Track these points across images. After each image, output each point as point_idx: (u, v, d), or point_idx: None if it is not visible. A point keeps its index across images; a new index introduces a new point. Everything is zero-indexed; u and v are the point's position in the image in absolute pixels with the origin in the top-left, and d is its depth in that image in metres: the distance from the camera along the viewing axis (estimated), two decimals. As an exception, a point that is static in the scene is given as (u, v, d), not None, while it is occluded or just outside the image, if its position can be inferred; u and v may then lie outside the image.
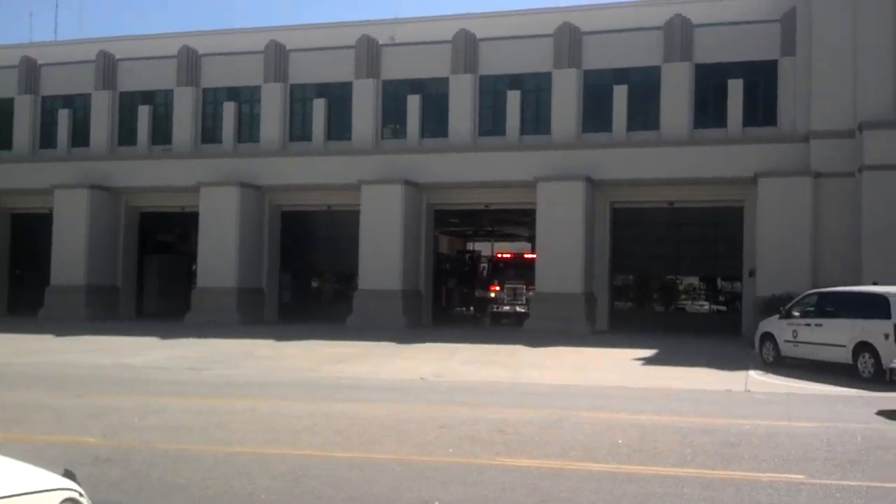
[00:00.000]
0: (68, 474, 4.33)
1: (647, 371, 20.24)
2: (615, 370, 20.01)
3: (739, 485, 8.86)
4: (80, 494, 4.14)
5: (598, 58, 32.37)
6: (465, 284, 42.36)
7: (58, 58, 38.64)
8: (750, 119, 30.78)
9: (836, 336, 18.76)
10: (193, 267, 36.21)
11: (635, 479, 9.11)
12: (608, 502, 8.20)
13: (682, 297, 34.37)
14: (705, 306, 33.78)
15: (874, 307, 18.08)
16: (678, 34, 31.32)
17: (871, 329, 17.83)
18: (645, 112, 31.96)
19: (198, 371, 19.34)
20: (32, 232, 38.12)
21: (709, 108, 31.49)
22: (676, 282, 34.39)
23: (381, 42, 34.97)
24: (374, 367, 20.18)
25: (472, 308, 41.22)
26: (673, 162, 30.20)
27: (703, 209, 31.62)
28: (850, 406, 14.89)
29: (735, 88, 30.78)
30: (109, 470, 9.53)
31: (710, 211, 31.59)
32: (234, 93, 36.46)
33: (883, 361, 17.34)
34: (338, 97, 35.28)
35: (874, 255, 25.87)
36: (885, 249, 25.90)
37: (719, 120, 31.07)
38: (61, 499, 4.04)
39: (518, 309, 34.84)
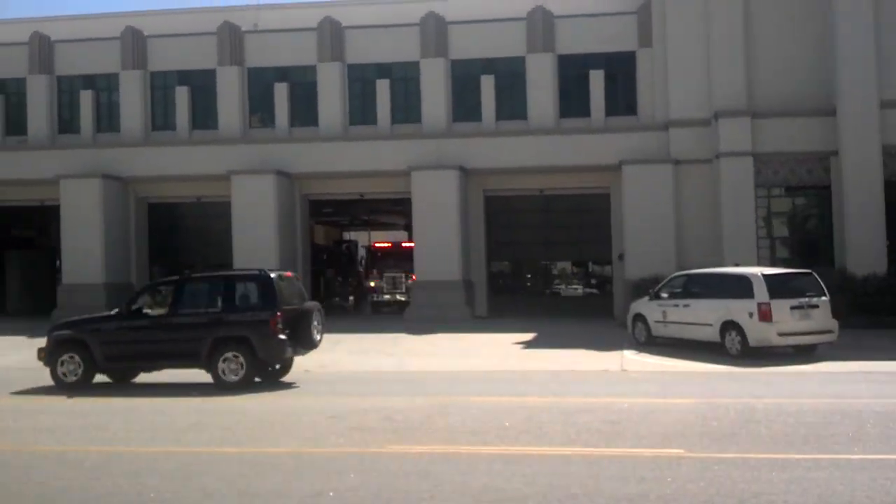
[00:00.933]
0: None
1: (528, 354, 20.77)
2: (497, 355, 20.43)
3: (623, 461, 9.22)
4: None
5: (465, 48, 32.67)
6: (343, 274, 42.12)
7: None
8: (612, 109, 31.80)
9: (704, 316, 19.57)
10: (58, 262, 34.58)
11: (524, 460, 9.38)
12: (500, 483, 8.40)
13: (557, 281, 35.28)
14: (579, 290, 34.78)
15: (738, 287, 18.95)
16: (540, 25, 32.00)
17: (736, 308, 18.66)
18: (512, 101, 32.49)
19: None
20: None
21: (572, 98, 32.29)
22: (550, 267, 35.26)
23: (244, 28, 34.20)
24: (255, 361, 19.85)
25: (351, 298, 41.06)
26: (540, 150, 30.88)
27: (572, 196, 32.45)
28: (721, 382, 15.69)
29: (596, 79, 31.72)
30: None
31: (578, 197, 32.47)
32: (90, 81, 34.86)
33: (749, 339, 18.34)
34: (201, 85, 34.25)
35: (733, 238, 27.32)
36: (742, 232, 27.44)
37: (583, 109, 31.93)
38: None
39: (398, 297, 34.92)
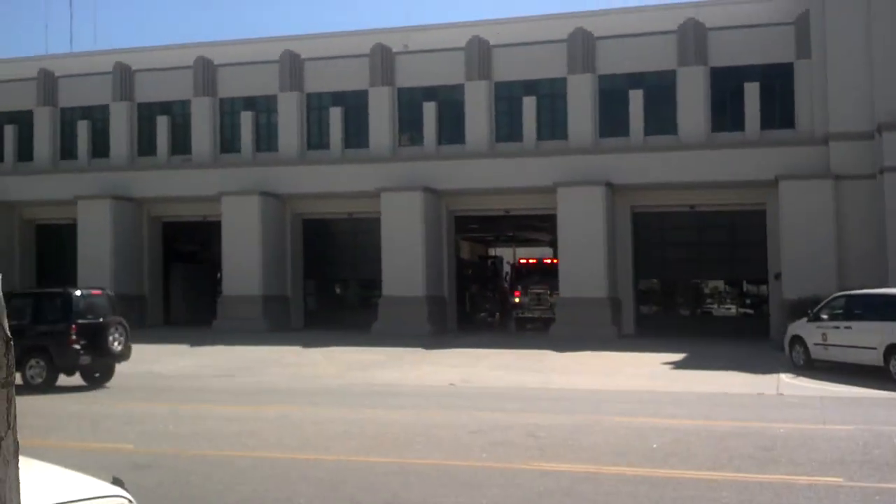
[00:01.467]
0: (117, 481, 4.33)
1: (677, 375, 20.22)
2: (645, 374, 20.00)
3: (777, 488, 8.83)
4: (130, 501, 4.13)
5: (612, 62, 32.34)
6: (488, 290, 42.34)
7: (75, 70, 38.93)
8: (768, 122, 30.67)
9: (866, 339, 18.65)
10: (218, 275, 36.40)
11: (671, 483, 9.11)
12: (648, 506, 8.23)
13: (708, 300, 34.24)
14: (732, 309, 33.63)
15: (904, 309, 17.96)
16: (692, 38, 31.28)
17: (902, 331, 17.68)
18: (661, 116, 31.84)
19: (228, 378, 19.48)
20: (57, 242, 38.41)
21: (726, 112, 31.38)
22: (701, 285, 34.26)
23: (394, 50, 35.09)
24: (402, 374, 20.24)
25: (496, 314, 41.19)
26: (691, 166, 30.11)
27: (725, 212, 31.48)
28: (884, 409, 14.83)
29: (752, 91, 30.70)
30: (148, 476, 9.62)
31: (732, 214, 31.46)
32: (250, 102, 36.64)
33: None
34: (354, 105, 35.40)
35: (899, 257, 25.72)
36: (909, 250, 25.77)
37: (737, 123, 30.98)
38: None
39: (543, 314, 34.76)
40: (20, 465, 4.16)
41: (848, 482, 9.02)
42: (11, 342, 1.61)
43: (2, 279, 1.61)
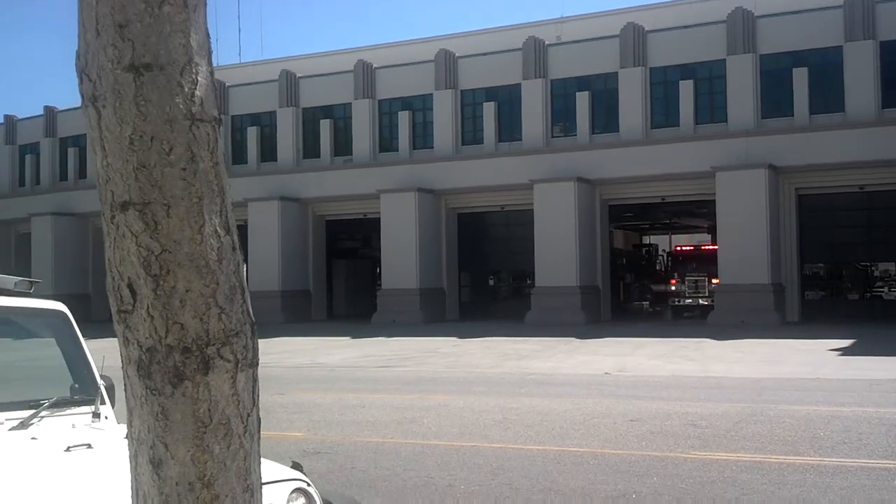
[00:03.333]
0: (296, 466, 4.53)
1: (845, 362, 19.34)
2: (810, 362, 19.22)
3: (958, 477, 8.43)
4: (308, 484, 4.34)
5: (774, 41, 31.17)
6: (643, 279, 41.74)
7: (243, 79, 41.11)
8: (944, 97, 28.76)
9: None
10: (377, 269, 37.60)
11: (841, 472, 8.80)
12: (814, 496, 7.97)
13: (878, 283, 32.47)
14: (904, 292, 31.77)
15: None
16: (860, 12, 29.71)
17: None
18: (827, 95, 30.48)
19: (388, 368, 20.13)
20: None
21: (895, 87, 29.66)
22: (871, 268, 32.51)
23: (547, 42, 35.08)
24: (557, 363, 20.30)
25: (651, 302, 40.55)
26: (860, 144, 28.64)
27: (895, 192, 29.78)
28: None
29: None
30: (317, 462, 10.10)
31: (903, 193, 29.74)
32: (407, 102, 37.60)
33: None
34: (506, 99, 35.70)
35: None
36: None
37: (909, 99, 29.23)
38: (292, 489, 4.24)
39: (701, 301, 34.00)
40: None
41: None
42: (255, 326, 1.91)
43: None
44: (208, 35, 1.82)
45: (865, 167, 29.06)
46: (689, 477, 8.82)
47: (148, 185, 1.74)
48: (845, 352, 20.93)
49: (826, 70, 30.53)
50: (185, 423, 1.76)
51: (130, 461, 1.84)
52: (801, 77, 30.63)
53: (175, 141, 1.75)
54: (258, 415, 1.90)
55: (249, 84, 40.48)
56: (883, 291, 32.48)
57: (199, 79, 1.78)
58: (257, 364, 1.89)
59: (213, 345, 1.76)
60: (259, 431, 1.90)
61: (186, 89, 1.76)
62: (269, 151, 39.98)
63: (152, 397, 1.76)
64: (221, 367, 1.77)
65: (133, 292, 1.76)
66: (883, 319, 28.14)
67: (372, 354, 23.16)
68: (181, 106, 1.75)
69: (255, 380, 1.88)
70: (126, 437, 1.88)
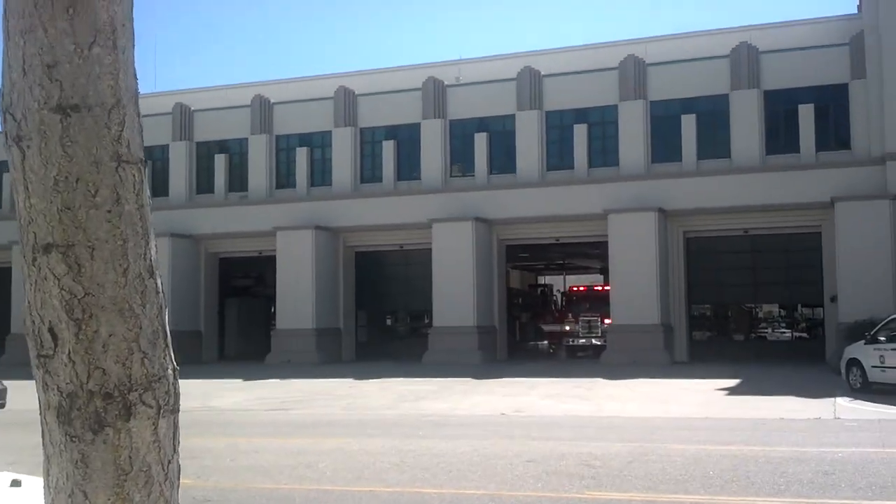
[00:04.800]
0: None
1: (732, 401, 19.96)
2: (699, 401, 19.77)
3: (837, 514, 8.72)
4: None
5: (664, 88, 32.34)
6: (538, 318, 42.28)
7: (136, 112, 40.08)
8: (823, 143, 30.37)
9: (926, 361, 18.27)
10: (272, 309, 36.94)
11: (729, 511, 9.02)
12: (704, 534, 8.16)
13: (762, 325, 33.76)
14: (787, 333, 33.12)
15: (964, 330, 17.60)
16: (745, 61, 31.17)
17: (961, 353, 17.34)
18: (714, 140, 31.74)
19: (282, 411, 19.70)
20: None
21: (780, 134, 31.17)
22: (755, 310, 33.79)
23: (446, 83, 35.50)
24: (453, 404, 20.27)
25: (546, 342, 41.08)
26: (746, 189, 29.89)
27: (780, 235, 31.16)
28: (947, 432, 14.46)
29: (806, 113, 30.44)
30: (208, 509, 9.77)
31: (786, 237, 31.12)
32: (305, 138, 37.35)
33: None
34: (406, 138, 35.87)
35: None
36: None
37: (791, 145, 30.73)
38: None
39: (594, 341, 34.64)
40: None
41: (910, 508, 8.86)
42: (177, 371, 1.83)
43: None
44: (136, 76, 1.82)
45: (750, 211, 30.29)
46: (585, 518, 8.89)
47: (72, 227, 1.69)
48: (732, 391, 21.61)
49: (713, 117, 31.82)
50: (106, 471, 1.70)
51: None
52: (689, 123, 31.84)
53: (101, 183, 1.72)
54: (178, 462, 1.82)
55: (142, 117, 39.36)
56: (767, 332, 33.77)
57: (126, 120, 1.78)
58: (178, 410, 1.82)
59: (136, 390, 1.72)
60: (179, 479, 1.81)
61: (114, 131, 1.74)
62: (160, 186, 38.97)
63: (72, 444, 1.70)
64: (144, 414, 1.73)
65: (54, 336, 1.71)
66: (766, 359, 29.23)
67: (265, 397, 22.66)
68: (108, 148, 1.73)
69: (176, 426, 1.82)
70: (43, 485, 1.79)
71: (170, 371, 1.77)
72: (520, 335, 40.57)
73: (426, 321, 34.33)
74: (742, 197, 29.84)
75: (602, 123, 33.38)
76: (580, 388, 22.84)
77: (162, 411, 1.76)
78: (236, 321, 40.32)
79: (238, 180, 38.22)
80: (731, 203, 30.04)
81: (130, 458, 1.71)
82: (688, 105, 32.11)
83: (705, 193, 30.43)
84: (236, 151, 38.52)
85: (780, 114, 31.15)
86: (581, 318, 35.64)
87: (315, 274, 34.35)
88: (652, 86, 32.51)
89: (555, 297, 45.49)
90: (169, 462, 1.75)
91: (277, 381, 26.90)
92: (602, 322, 33.72)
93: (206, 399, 22.01)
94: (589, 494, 9.94)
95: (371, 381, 26.23)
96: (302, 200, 36.32)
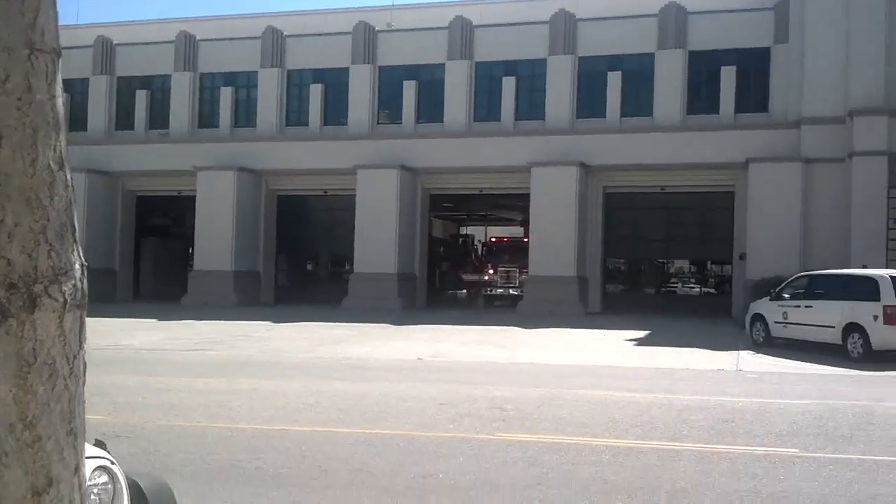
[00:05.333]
0: (99, 444, 4.35)
1: (641, 351, 20.58)
2: (609, 350, 20.34)
3: (735, 458, 9.08)
4: (112, 462, 4.19)
5: (593, 44, 32.58)
6: (458, 268, 42.66)
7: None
8: (742, 105, 31.09)
9: (826, 317, 19.08)
10: (190, 250, 36.39)
11: (633, 453, 9.35)
12: (608, 474, 8.42)
13: (673, 280, 34.74)
14: (696, 289, 34.15)
15: (863, 289, 18.42)
16: (672, 21, 31.58)
17: (860, 310, 18.17)
18: (638, 98, 32.20)
19: (197, 352, 19.57)
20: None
21: (702, 95, 31.80)
22: (667, 265, 34.71)
23: (377, 28, 35.08)
24: (372, 348, 20.42)
25: (465, 291, 41.53)
26: (665, 148, 30.48)
27: (695, 194, 31.96)
28: (840, 384, 15.23)
29: (728, 75, 31.08)
30: (118, 446, 9.59)
31: (701, 196, 31.95)
32: (231, 78, 36.55)
33: (872, 342, 17.72)
34: (334, 83, 35.41)
35: (862, 239, 26.32)
36: (872, 233, 26.35)
37: (712, 106, 31.39)
38: (94, 466, 4.07)
39: (512, 291, 35.19)
40: None
41: (803, 452, 9.32)
42: (85, 267, 1.83)
43: None
44: None
45: (668, 169, 30.94)
46: (493, 457, 9.12)
47: None
48: (641, 342, 22.25)
49: (639, 75, 32.22)
50: (8, 362, 1.69)
51: None
52: (615, 80, 32.20)
53: (12, 69, 1.69)
54: (84, 358, 1.85)
55: (63, 49, 37.91)
56: (676, 287, 34.80)
57: (41, 6, 1.74)
58: (86, 306, 1.84)
59: (41, 282, 1.70)
60: (84, 375, 1.85)
61: (27, 17, 1.71)
62: (79, 120, 37.75)
63: None
64: (49, 306, 1.71)
65: None
66: (676, 313, 30.13)
67: (180, 337, 22.43)
68: (20, 34, 1.70)
69: (82, 322, 1.83)
70: None
71: (77, 266, 1.78)
72: (440, 284, 40.91)
73: (347, 267, 34.33)
74: (661, 155, 30.43)
75: (531, 77, 33.51)
76: (496, 335, 23.23)
77: (68, 305, 1.75)
78: (152, 261, 39.62)
79: (160, 118, 37.27)
80: (651, 161, 30.61)
81: (34, 350, 1.70)
82: (615, 62, 32.45)
83: (626, 150, 30.93)
84: (158, 88, 37.49)
85: (703, 74, 31.74)
86: (500, 269, 36.09)
87: (235, 216, 33.90)
88: (581, 41, 32.71)
89: (475, 248, 45.90)
90: (74, 357, 1.78)
91: (193, 321, 26.60)
92: (520, 273, 34.24)
93: (118, 338, 21.70)
94: (500, 436, 10.20)
95: (289, 324, 26.16)
96: (225, 141, 35.65)
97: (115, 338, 21.75)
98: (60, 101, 1.79)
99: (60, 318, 1.74)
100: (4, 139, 1.68)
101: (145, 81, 37.49)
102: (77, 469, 1.80)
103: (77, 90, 37.80)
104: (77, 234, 1.80)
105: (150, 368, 16.50)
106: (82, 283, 1.80)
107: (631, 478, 8.32)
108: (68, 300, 1.76)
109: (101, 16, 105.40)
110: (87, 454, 4.11)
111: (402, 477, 8.36)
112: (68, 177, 1.79)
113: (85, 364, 1.83)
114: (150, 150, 36.08)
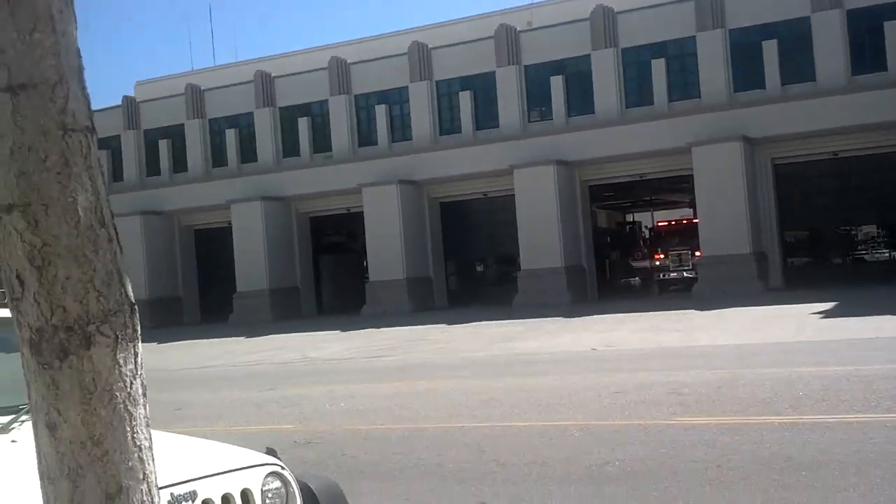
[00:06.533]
0: (270, 451, 4.62)
1: (827, 324, 19.63)
2: (792, 326, 19.48)
3: (928, 427, 8.66)
4: (283, 468, 4.42)
5: (743, 15, 31.50)
6: (627, 256, 42.08)
7: (219, 81, 41.09)
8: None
9: None
10: (364, 263, 37.77)
11: (819, 429, 9.02)
12: (792, 451, 8.18)
13: (860, 247, 32.92)
14: (885, 254, 32.22)
15: None
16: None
17: None
18: (798, 64, 30.81)
19: (378, 358, 20.28)
20: (215, 245, 40.84)
21: (865, 53, 30.09)
22: (853, 232, 32.95)
23: (518, 29, 35.24)
24: (544, 342, 20.50)
25: (636, 278, 40.89)
26: (832, 112, 28.96)
27: (870, 156, 30.22)
28: None
29: (892, 30, 29.29)
30: (307, 452, 10.25)
31: (877, 157, 30.17)
32: (384, 96, 37.71)
33: None
34: (482, 87, 35.85)
35: None
36: None
37: (878, 64, 29.61)
38: (266, 473, 4.34)
39: (685, 274, 34.33)
40: (182, 441, 4.68)
41: None
42: (135, 307, 2.17)
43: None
44: (79, 54, 2.06)
45: (837, 134, 29.37)
46: (671, 442, 9.01)
47: (28, 189, 1.98)
48: (827, 314, 21.22)
49: (795, 40, 30.81)
50: (73, 391, 2.01)
51: (32, 427, 2.09)
52: (770, 49, 30.91)
53: (50, 150, 1.99)
54: (143, 382, 2.13)
55: (226, 87, 40.45)
56: (865, 254, 32.92)
57: (70, 94, 2.01)
58: (138, 339, 2.13)
59: (93, 323, 2.01)
60: (144, 397, 2.15)
61: (58, 104, 2.00)
62: (248, 152, 40.01)
63: (43, 371, 2.02)
64: (102, 343, 2.02)
65: (21, 282, 2.02)
66: (865, 281, 28.53)
67: (361, 346, 23.30)
68: (54, 119, 2.00)
69: (136, 352, 2.11)
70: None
71: (126, 307, 2.07)
72: (610, 274, 40.45)
73: (515, 266, 34.59)
74: (828, 120, 28.91)
75: (681, 56, 32.74)
76: (671, 320, 22.76)
77: (119, 340, 2.05)
78: (331, 276, 41.35)
79: (321, 142, 38.91)
80: (817, 126, 29.15)
81: (94, 380, 2.01)
82: (769, 31, 31.22)
83: (790, 119, 29.58)
84: (318, 113, 39.16)
85: (862, 32, 30.05)
86: (671, 252, 35.33)
87: (402, 226, 34.89)
88: (730, 13, 31.66)
89: (643, 234, 45.09)
90: (131, 383, 2.06)
91: (373, 330, 27.56)
92: (693, 255, 33.37)
93: (305, 351, 22.83)
94: (677, 420, 10.07)
95: (462, 325, 26.64)
96: (384, 156, 36.79)
97: (301, 351, 22.93)
98: (97, 169, 2.07)
99: (114, 351, 2.04)
100: (50, 208, 1.99)
101: (305, 109, 39.25)
102: (145, 477, 2.09)
103: (244, 124, 40.05)
104: (125, 279, 2.11)
105: (335, 378, 17.24)
106: (132, 320, 2.11)
107: (815, 453, 8.06)
108: (119, 336, 2.06)
109: (258, 51, 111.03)
110: (259, 462, 4.45)
111: (578, 466, 8.41)
112: (111, 232, 2.09)
113: (144, 387, 2.15)
114: (316, 173, 37.73)
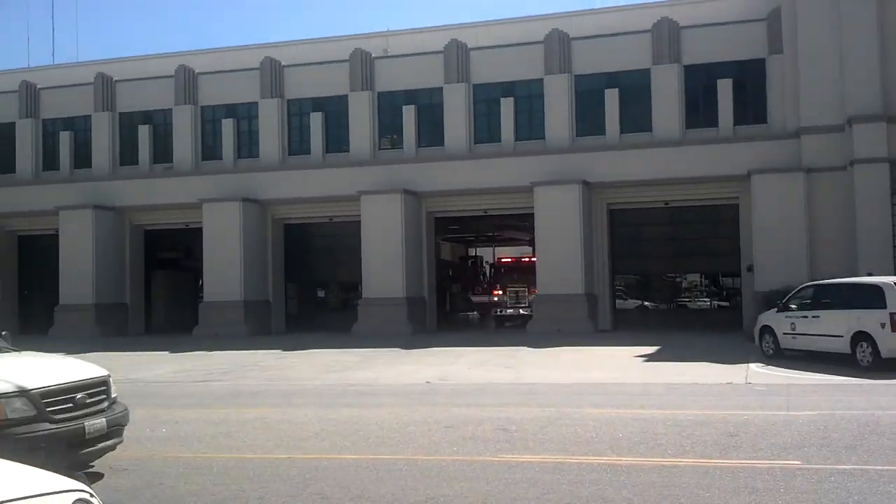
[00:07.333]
0: (79, 477, 4.46)
1: (650, 367, 20.51)
2: (617, 367, 20.29)
3: (736, 472, 9.07)
4: (91, 495, 4.27)
5: (588, 62, 32.74)
6: (467, 289, 42.76)
7: (57, 81, 39.04)
8: (741, 117, 31.17)
9: (834, 327, 18.96)
10: (200, 281, 36.59)
11: (635, 471, 9.33)
12: (609, 493, 8.42)
13: (684, 294, 34.68)
14: (706, 302, 34.07)
15: (870, 297, 18.26)
16: (666, 37, 31.73)
17: (867, 319, 18.02)
18: (637, 114, 32.29)
19: (206, 383, 19.63)
20: (39, 252, 38.56)
21: (699, 109, 31.88)
22: (677, 279, 34.68)
23: (374, 55, 35.37)
24: (379, 373, 20.45)
25: (475, 312, 41.57)
26: (666, 162, 30.55)
27: (699, 207, 31.99)
28: (849, 394, 15.13)
29: (724, 88, 31.18)
30: (124, 479, 9.79)
31: (705, 209, 31.97)
32: (231, 110, 36.88)
33: (881, 350, 17.62)
34: (334, 110, 35.67)
35: (868, 247, 26.27)
36: (878, 240, 26.29)
37: (710, 119, 31.48)
38: (73, 500, 4.16)
39: (521, 311, 35.22)
40: None
41: (805, 465, 9.29)
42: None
43: None
44: None
45: (670, 184, 30.98)
46: (495, 479, 9.14)
47: None
48: (650, 358, 22.21)
49: (636, 91, 32.32)
50: None
51: None
52: (612, 97, 32.32)
53: None
54: None
55: (63, 87, 38.47)
56: (688, 301, 34.74)
57: None
58: None
59: None
60: None
61: None
62: (82, 157, 38.13)
63: None
64: None
65: None
66: (687, 327, 30.07)
67: (190, 369, 22.51)
68: None
69: None
70: None
71: None
72: (450, 306, 40.99)
73: (356, 293, 34.43)
74: (662, 170, 30.50)
75: (528, 97, 33.67)
76: (505, 356, 23.23)
77: None
78: (163, 294, 39.83)
79: (163, 152, 37.58)
80: (652, 176, 30.68)
81: None
82: (611, 79, 32.58)
83: (627, 166, 31.02)
84: (160, 122, 37.83)
85: (699, 88, 31.84)
86: (509, 289, 36.17)
87: (243, 246, 34.09)
88: (577, 60, 32.88)
89: (484, 269, 45.99)
90: None
91: (204, 352, 26.75)
92: (529, 292, 34.29)
93: (130, 371, 21.79)
94: (502, 458, 10.22)
95: (298, 352, 26.23)
96: (228, 172, 35.92)
97: (125, 372, 21.79)
98: None
99: None
100: None
101: (147, 116, 37.84)
102: None
103: (80, 128, 38.20)
104: None
105: (159, 401, 16.54)
106: None
107: (630, 495, 8.33)
108: None
109: (99, 52, 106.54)
110: (66, 487, 4.19)
111: (403, 502, 8.38)
112: None
113: None
114: (154, 185, 36.38)
